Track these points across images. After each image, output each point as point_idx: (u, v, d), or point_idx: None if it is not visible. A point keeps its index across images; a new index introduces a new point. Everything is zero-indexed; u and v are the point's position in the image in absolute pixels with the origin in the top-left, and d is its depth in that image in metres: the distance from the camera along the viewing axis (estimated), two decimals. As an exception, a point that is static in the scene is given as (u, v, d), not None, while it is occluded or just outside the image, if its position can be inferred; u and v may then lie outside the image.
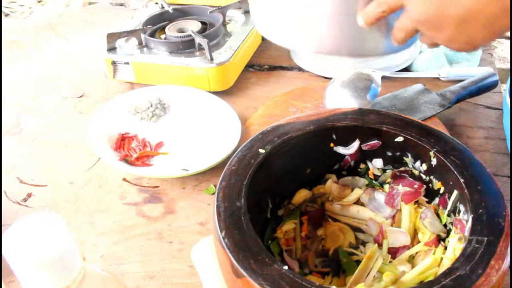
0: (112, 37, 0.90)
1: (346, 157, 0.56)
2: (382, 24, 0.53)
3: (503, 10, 0.43)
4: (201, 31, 0.91)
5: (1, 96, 0.92)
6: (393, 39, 0.51)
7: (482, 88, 0.81)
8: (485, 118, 0.82)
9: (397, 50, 0.58)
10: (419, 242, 0.52)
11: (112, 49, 0.90)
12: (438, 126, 0.75)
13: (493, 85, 0.82)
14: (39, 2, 1.69)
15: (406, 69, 0.93)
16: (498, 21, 0.43)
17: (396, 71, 0.90)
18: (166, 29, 0.93)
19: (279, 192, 0.54)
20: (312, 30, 0.54)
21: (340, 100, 0.73)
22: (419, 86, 0.82)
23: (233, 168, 0.47)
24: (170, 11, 0.99)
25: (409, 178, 0.54)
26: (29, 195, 0.70)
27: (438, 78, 0.91)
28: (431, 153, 0.50)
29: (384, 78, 0.80)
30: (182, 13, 1.00)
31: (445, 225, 0.51)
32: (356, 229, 0.56)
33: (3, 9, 1.57)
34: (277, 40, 0.57)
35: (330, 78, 0.83)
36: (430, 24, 0.46)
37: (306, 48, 0.56)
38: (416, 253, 0.51)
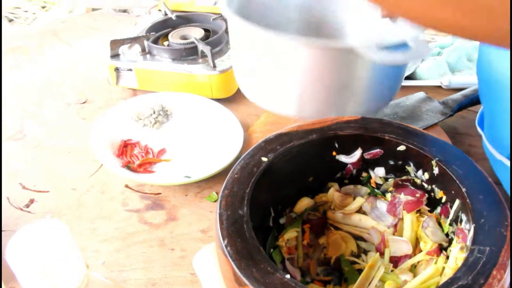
0: (116, 44, 0.90)
1: (348, 165, 0.56)
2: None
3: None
4: (204, 38, 0.92)
5: (1, 101, 0.92)
6: None
7: (484, 96, 0.81)
8: (487, 126, 0.82)
9: (379, 107, 0.61)
10: (421, 251, 0.52)
11: (115, 55, 0.90)
12: (440, 134, 0.75)
13: (495, 93, 0.82)
14: (43, 8, 1.70)
15: (408, 77, 0.93)
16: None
17: (398, 79, 0.90)
18: (169, 36, 0.94)
19: (281, 200, 0.55)
20: (291, 97, 0.60)
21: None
22: (421, 94, 0.82)
23: (235, 176, 0.47)
24: (173, 18, 1.00)
25: (411, 187, 0.54)
26: (32, 201, 0.71)
27: (440, 87, 0.91)
28: (433, 162, 0.50)
29: (386, 86, 0.81)
30: (185, 20, 1.01)
31: (447, 234, 0.51)
32: (358, 238, 0.56)
33: (7, 14, 1.58)
34: (261, 104, 0.64)
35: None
36: None
37: (288, 113, 0.62)
38: (418, 262, 0.51)
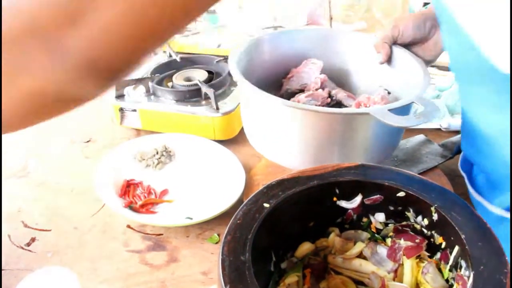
0: (121, 85, 0.92)
1: (349, 211, 0.56)
2: None
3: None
4: (208, 81, 0.94)
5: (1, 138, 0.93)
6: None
7: (483, 139, 0.82)
8: (486, 169, 0.82)
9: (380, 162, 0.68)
10: (421, 297, 0.52)
11: (120, 96, 0.92)
12: (440, 177, 0.76)
13: (493, 136, 0.83)
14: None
15: (408, 120, 0.94)
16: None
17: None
18: (174, 77, 0.95)
19: (283, 245, 0.55)
20: (293, 158, 0.68)
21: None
22: (421, 137, 0.84)
23: (238, 222, 0.48)
24: (178, 60, 1.02)
25: (411, 233, 0.55)
26: (33, 239, 0.71)
27: (439, 129, 0.92)
28: (432, 209, 0.51)
29: (386, 129, 0.82)
30: (189, 62, 1.03)
31: (447, 280, 0.52)
32: (358, 283, 0.56)
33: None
34: (269, 158, 0.71)
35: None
36: None
37: (291, 166, 0.69)
38: (419, 308, 0.51)
